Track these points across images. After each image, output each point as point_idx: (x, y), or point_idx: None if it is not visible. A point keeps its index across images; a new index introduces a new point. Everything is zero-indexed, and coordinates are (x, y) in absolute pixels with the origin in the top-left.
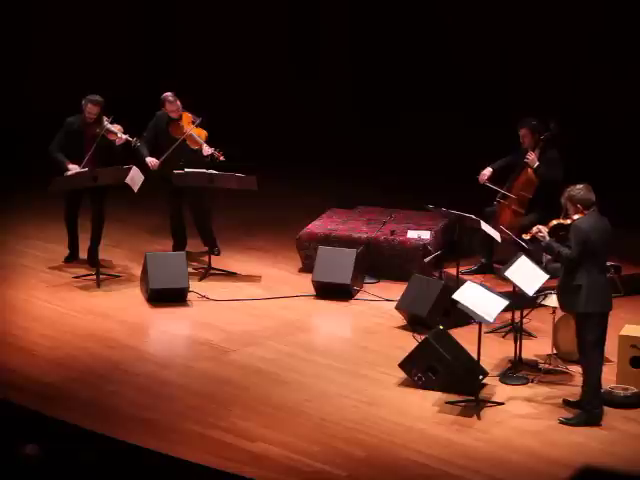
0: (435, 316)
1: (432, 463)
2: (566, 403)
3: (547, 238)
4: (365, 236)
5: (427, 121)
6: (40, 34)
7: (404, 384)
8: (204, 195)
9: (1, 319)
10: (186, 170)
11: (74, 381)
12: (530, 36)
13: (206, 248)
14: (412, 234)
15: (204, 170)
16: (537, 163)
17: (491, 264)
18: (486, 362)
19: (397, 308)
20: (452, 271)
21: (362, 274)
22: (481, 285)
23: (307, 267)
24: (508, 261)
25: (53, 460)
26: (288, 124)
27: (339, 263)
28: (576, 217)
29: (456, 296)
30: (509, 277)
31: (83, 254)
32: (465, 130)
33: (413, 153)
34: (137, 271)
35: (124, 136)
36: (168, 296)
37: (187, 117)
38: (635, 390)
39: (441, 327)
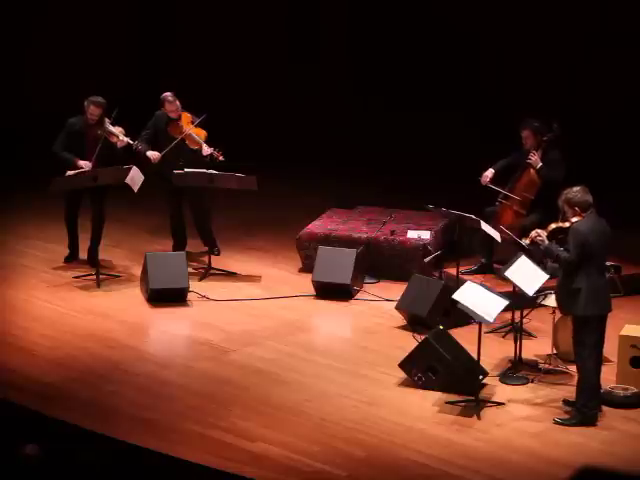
0: (435, 316)
1: (432, 463)
2: (566, 403)
3: (546, 242)
4: (365, 236)
5: (427, 121)
6: (40, 34)
7: (404, 384)
8: (204, 195)
9: (1, 319)
10: (186, 170)
11: (74, 381)
12: (530, 36)
13: (206, 248)
14: (412, 234)
15: (204, 170)
16: (540, 164)
17: (491, 264)
18: (486, 362)
19: (397, 308)
20: (452, 271)
21: (362, 274)
22: (481, 285)
23: (307, 267)
24: (508, 261)
25: (53, 460)
26: (288, 124)
27: (339, 263)
28: (574, 220)
29: (456, 296)
30: (509, 277)
31: (83, 254)
32: (465, 130)
33: (413, 153)
34: (137, 271)
35: (125, 139)
36: (168, 296)
37: (186, 117)
38: (635, 390)
39: (441, 327)
